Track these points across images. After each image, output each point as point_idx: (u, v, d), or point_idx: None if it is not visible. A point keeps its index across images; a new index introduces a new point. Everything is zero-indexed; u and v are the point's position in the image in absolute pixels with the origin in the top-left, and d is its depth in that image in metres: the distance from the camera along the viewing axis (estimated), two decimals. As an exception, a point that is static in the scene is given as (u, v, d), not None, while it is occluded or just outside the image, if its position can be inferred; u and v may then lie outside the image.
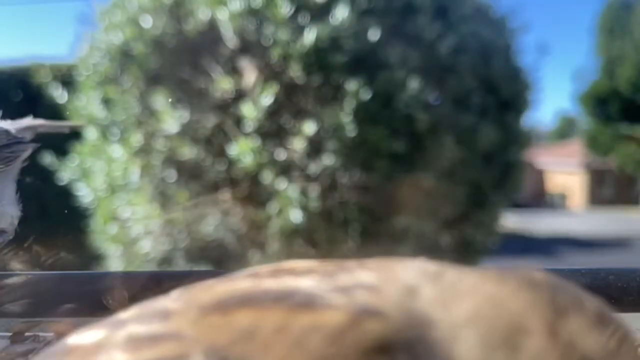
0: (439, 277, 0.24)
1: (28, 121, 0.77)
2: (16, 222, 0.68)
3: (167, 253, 3.21)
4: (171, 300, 0.25)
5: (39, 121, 0.79)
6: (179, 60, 3.10)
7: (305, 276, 0.24)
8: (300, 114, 2.99)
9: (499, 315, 0.22)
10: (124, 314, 0.26)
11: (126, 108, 3.18)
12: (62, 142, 3.33)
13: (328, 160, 2.96)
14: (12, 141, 0.70)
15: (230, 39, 3.02)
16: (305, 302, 0.22)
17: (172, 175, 3.14)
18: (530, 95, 3.83)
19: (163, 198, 3.21)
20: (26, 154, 0.72)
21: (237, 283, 0.25)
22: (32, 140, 0.75)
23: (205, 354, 0.21)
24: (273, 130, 2.98)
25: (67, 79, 3.40)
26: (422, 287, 0.23)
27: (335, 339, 0.21)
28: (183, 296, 0.26)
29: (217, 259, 3.07)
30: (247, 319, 0.22)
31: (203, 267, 3.09)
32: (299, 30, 2.96)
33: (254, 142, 2.94)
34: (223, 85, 2.99)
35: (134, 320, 0.25)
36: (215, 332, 0.22)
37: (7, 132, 0.71)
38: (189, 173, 3.12)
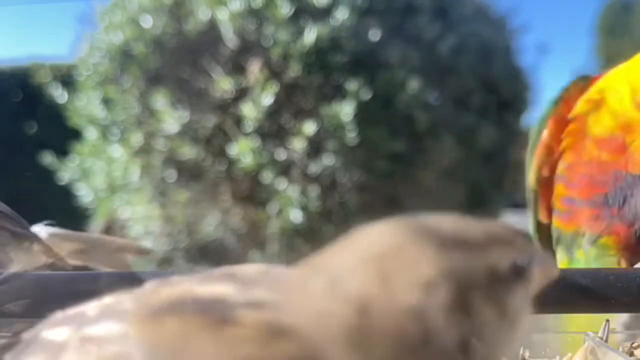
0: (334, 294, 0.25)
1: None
2: None
3: (167, 253, 3.21)
4: (131, 298, 0.27)
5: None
6: (179, 60, 3.10)
7: (229, 284, 0.26)
8: (300, 114, 2.99)
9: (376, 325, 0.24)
10: (92, 309, 0.28)
11: (126, 108, 3.18)
12: (62, 142, 3.33)
13: (328, 160, 2.96)
14: None
15: (230, 39, 3.01)
16: (223, 317, 0.24)
17: (172, 175, 3.14)
18: (530, 95, 3.83)
19: (163, 198, 3.21)
20: None
21: (179, 286, 0.27)
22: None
23: (143, 354, 0.24)
24: (273, 130, 2.98)
25: (67, 79, 3.39)
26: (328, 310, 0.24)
27: (247, 356, 0.22)
28: (141, 295, 0.28)
29: (217, 259, 3.07)
30: (175, 327, 0.24)
31: (203, 267, 3.09)
32: (299, 30, 2.96)
33: (254, 142, 2.94)
34: (223, 85, 2.99)
35: (96, 317, 0.27)
36: (153, 335, 0.24)
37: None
38: (189, 173, 3.12)
